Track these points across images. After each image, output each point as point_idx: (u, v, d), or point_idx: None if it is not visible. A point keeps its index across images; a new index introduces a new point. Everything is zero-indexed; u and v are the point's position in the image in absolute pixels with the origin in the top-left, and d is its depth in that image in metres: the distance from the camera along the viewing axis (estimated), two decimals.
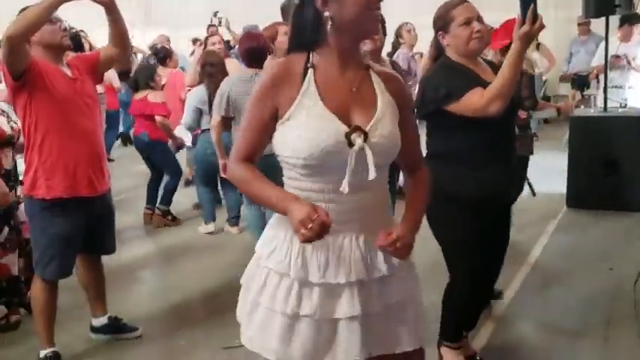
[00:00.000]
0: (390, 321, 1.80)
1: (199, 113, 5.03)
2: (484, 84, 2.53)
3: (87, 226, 3.11)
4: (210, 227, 5.40)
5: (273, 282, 1.75)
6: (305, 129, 1.67)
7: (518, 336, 3.35)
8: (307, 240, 1.59)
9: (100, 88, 4.44)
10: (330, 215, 1.60)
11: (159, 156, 5.76)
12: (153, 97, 5.59)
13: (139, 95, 5.64)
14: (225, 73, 4.82)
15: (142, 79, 5.68)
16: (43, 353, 3.17)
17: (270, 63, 3.92)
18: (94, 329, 3.47)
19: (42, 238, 3.05)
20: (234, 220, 5.37)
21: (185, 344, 3.36)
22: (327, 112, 1.68)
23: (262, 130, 1.75)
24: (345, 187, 1.66)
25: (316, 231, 1.57)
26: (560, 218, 5.56)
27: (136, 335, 3.47)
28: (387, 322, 1.79)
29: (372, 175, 1.66)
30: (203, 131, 4.99)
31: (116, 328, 3.47)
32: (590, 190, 5.68)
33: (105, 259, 3.45)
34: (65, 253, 3.07)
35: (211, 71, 4.97)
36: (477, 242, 2.67)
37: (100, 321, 3.46)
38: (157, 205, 5.79)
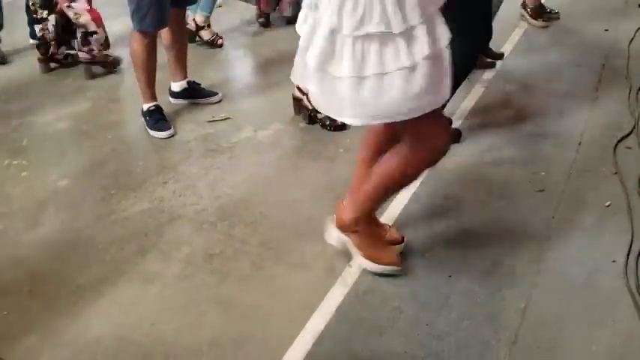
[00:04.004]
0: None
1: None
2: None
3: None
4: None
5: None
6: None
7: (506, 97, 3.32)
8: None
9: None
10: None
11: None
12: None
13: None
14: None
15: None
16: (146, 107, 3.18)
17: None
18: (173, 94, 3.45)
19: None
20: None
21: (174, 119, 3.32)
22: None
23: None
24: None
25: None
26: None
27: (216, 100, 3.46)
28: None
29: None
30: None
31: (196, 92, 3.46)
32: None
33: None
34: (162, 1, 2.94)
35: None
36: None
37: (180, 85, 3.43)
38: None
